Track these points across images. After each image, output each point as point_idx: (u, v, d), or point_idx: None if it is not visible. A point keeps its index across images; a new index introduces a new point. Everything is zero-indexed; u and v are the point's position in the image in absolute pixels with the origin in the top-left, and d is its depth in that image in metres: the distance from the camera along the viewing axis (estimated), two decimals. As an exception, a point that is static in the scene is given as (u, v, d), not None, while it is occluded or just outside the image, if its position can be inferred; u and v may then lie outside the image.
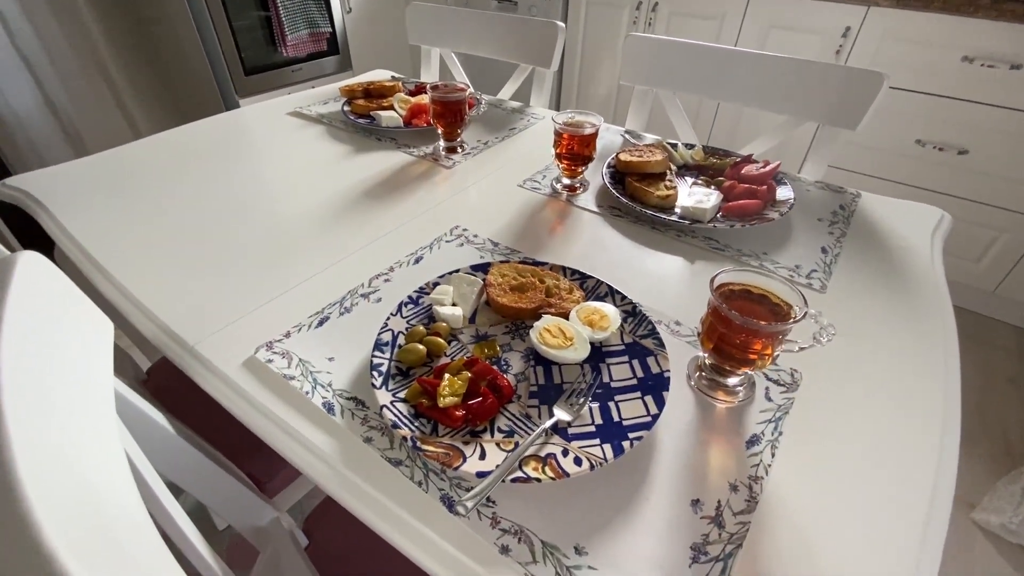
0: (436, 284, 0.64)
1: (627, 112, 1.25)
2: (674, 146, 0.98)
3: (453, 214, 0.84)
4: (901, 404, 0.54)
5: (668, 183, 0.86)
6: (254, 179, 0.94)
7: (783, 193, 0.84)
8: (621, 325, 0.58)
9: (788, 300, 0.50)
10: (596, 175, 0.94)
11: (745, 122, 2.06)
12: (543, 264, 0.67)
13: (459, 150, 1.04)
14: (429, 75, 1.53)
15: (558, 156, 0.88)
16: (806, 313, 0.47)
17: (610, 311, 0.58)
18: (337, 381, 0.55)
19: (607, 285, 0.64)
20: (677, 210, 0.82)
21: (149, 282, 0.69)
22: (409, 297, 0.62)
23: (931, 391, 0.55)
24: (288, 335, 0.60)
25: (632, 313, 0.60)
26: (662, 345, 0.55)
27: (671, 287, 0.69)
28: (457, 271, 0.65)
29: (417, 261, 0.73)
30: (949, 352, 0.61)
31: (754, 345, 0.48)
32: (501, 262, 0.66)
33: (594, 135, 0.85)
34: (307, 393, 0.53)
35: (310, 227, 0.81)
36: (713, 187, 0.86)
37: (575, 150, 0.86)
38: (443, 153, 1.03)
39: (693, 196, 0.82)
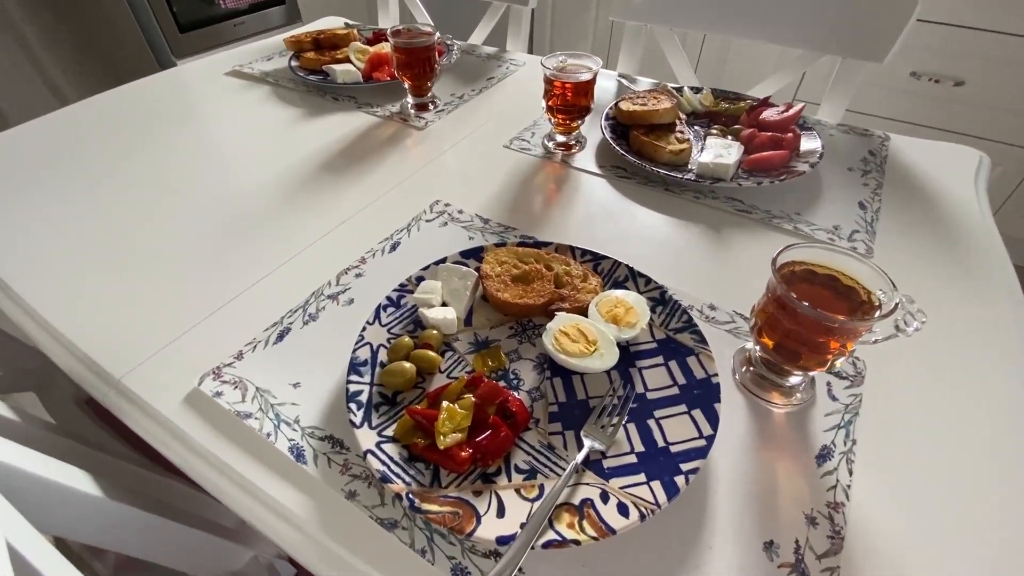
0: (420, 279, 0.52)
1: (616, 55, 1.11)
2: (679, 91, 0.86)
3: (431, 186, 0.71)
4: (980, 382, 0.46)
5: (679, 135, 0.74)
6: (187, 157, 0.79)
7: (809, 142, 0.73)
8: (651, 318, 0.48)
9: (862, 281, 0.40)
10: (594, 129, 0.81)
11: (734, 60, 1.91)
12: (547, 245, 0.55)
13: (431, 107, 0.89)
14: (388, 20, 1.34)
15: (550, 109, 0.75)
16: (899, 303, 0.37)
17: (635, 301, 0.48)
18: (306, 415, 0.43)
19: (626, 267, 0.53)
20: (692, 167, 0.71)
21: (59, 296, 0.55)
22: (388, 298, 0.50)
23: (1007, 363, 0.47)
24: (240, 356, 0.48)
25: (660, 301, 0.50)
26: (703, 341, 0.46)
27: (697, 262, 0.59)
28: (444, 260, 0.53)
29: (393, 248, 0.60)
30: (1019, 314, 0.53)
31: (831, 344, 0.38)
32: (496, 245, 0.55)
33: (591, 81, 0.72)
34: (269, 436, 0.42)
35: (259, 213, 0.67)
36: (730, 137, 0.75)
37: (570, 100, 0.73)
38: (412, 111, 0.89)
39: (710, 150, 0.70)
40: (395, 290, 0.51)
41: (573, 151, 0.78)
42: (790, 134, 0.72)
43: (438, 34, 0.84)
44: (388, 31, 0.82)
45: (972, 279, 0.56)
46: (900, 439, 0.42)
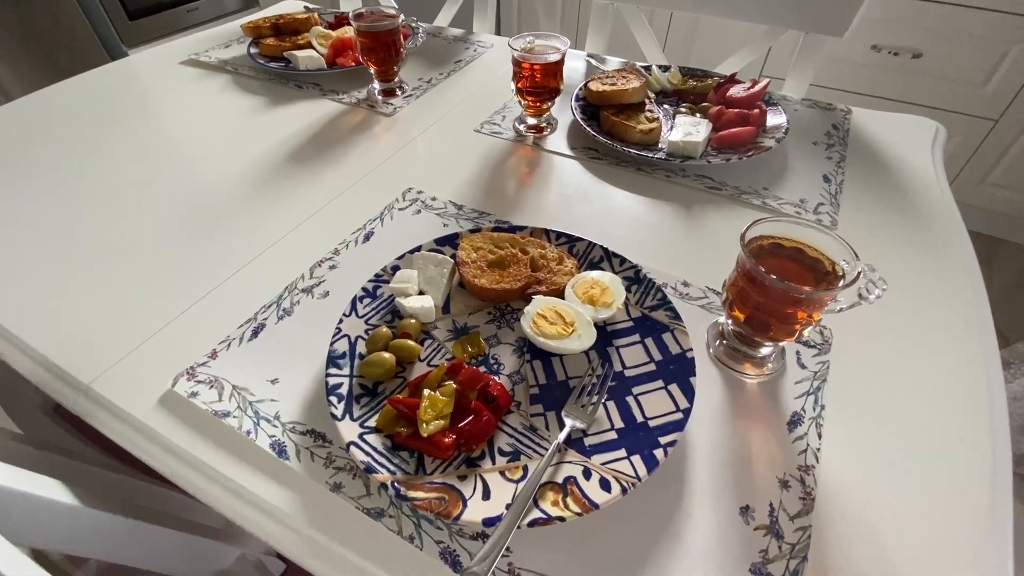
0: (395, 268, 0.51)
1: (585, 34, 1.10)
2: (647, 69, 0.86)
3: (402, 173, 0.70)
4: (939, 346, 0.48)
5: (649, 114, 0.74)
6: (146, 151, 0.76)
7: (775, 117, 0.75)
8: (626, 297, 0.48)
9: (826, 252, 0.42)
10: (564, 111, 0.81)
11: (702, 37, 1.92)
12: (522, 229, 0.55)
13: (398, 92, 0.88)
14: (349, 3, 1.30)
15: (519, 91, 0.74)
16: (861, 272, 0.38)
17: (610, 281, 0.48)
18: (286, 411, 0.43)
19: (601, 248, 0.53)
20: (663, 146, 0.72)
21: (16, 300, 0.53)
22: (364, 289, 0.49)
23: (964, 327, 0.50)
24: (214, 355, 0.47)
25: (635, 279, 0.51)
26: (677, 317, 0.47)
27: (669, 240, 0.60)
28: (419, 248, 0.53)
29: (367, 238, 0.60)
30: (974, 280, 0.55)
31: (799, 314, 0.40)
32: (471, 231, 0.55)
33: (560, 62, 0.71)
34: (249, 433, 0.41)
35: (226, 207, 0.65)
36: (699, 115, 0.76)
37: (539, 81, 0.72)
38: (380, 97, 0.87)
39: (680, 128, 0.71)
40: (371, 280, 0.50)
41: (544, 133, 0.77)
42: (756, 110, 0.73)
43: (402, 16, 0.82)
44: (350, 14, 0.80)
45: (930, 247, 0.59)
46: (866, 402, 0.44)
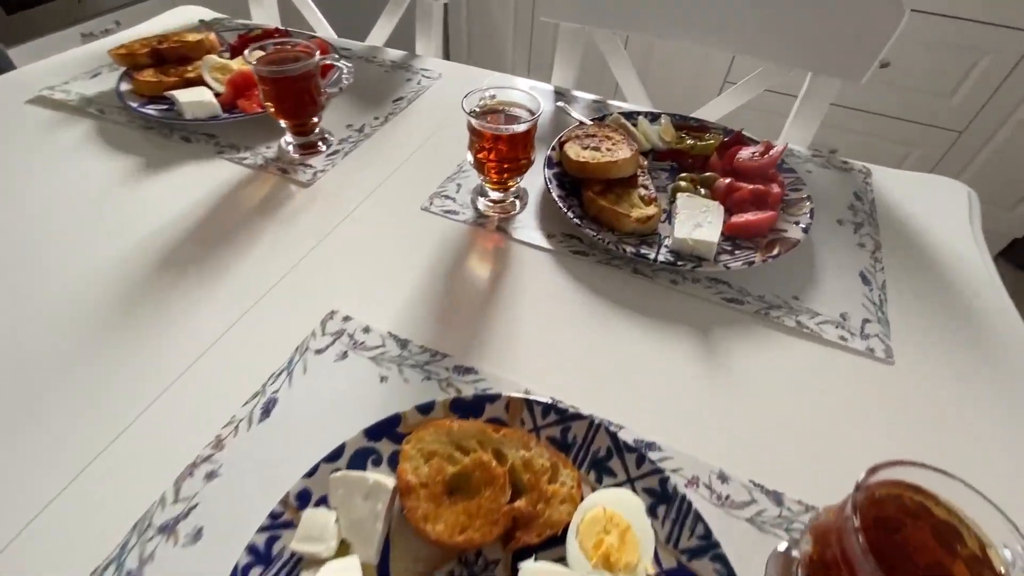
0: (303, 496, 0.34)
1: (549, 63, 0.93)
2: (630, 118, 0.70)
3: (323, 283, 0.52)
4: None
5: (643, 191, 0.59)
6: (-50, 250, 0.53)
7: (793, 190, 0.61)
8: (655, 539, 0.33)
9: (969, 519, 0.27)
10: (535, 175, 0.64)
11: (657, 64, 1.79)
12: (494, 401, 0.39)
13: (320, 146, 0.68)
14: (264, 15, 1.07)
15: (478, 163, 0.57)
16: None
17: (630, 512, 0.33)
18: None
19: (607, 432, 0.37)
20: (664, 238, 0.56)
21: None
22: (252, 550, 0.31)
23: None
24: None
25: (662, 494, 0.35)
26: (730, 574, 0.31)
27: (686, 388, 0.45)
28: (340, 453, 0.36)
29: (266, 412, 0.41)
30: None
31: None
32: (420, 410, 0.37)
33: (531, 131, 0.54)
34: None
35: (56, 363, 0.45)
36: (703, 190, 0.61)
37: (505, 154, 0.55)
38: (295, 155, 0.67)
39: (685, 216, 0.55)
40: (263, 528, 0.32)
41: (512, 213, 0.60)
42: (774, 185, 0.59)
43: (319, 55, 0.62)
44: (245, 53, 0.59)
45: (994, 358, 0.47)
46: None
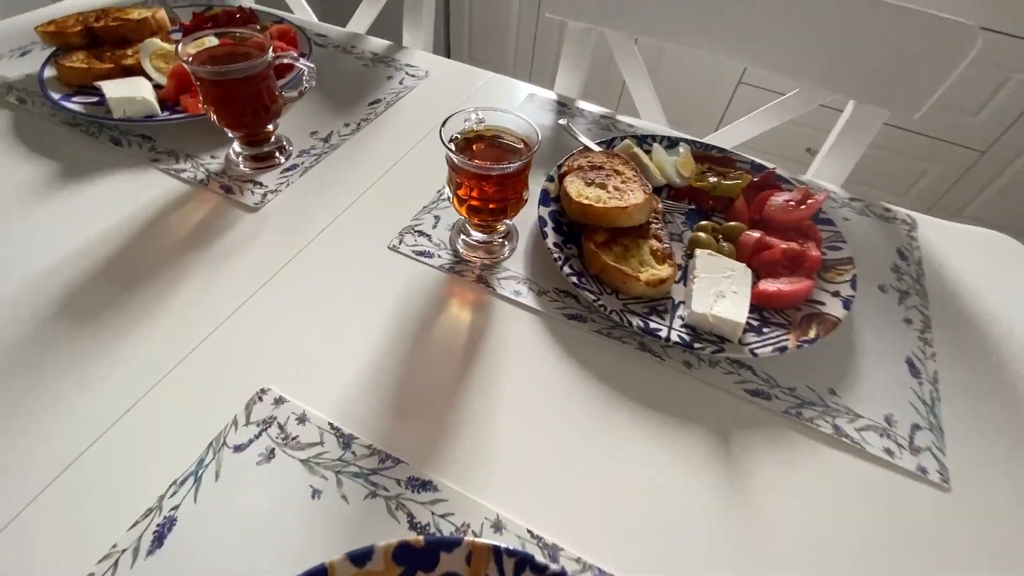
0: None
1: (553, 67, 0.82)
2: (643, 144, 0.60)
3: (253, 351, 0.42)
4: None
5: (656, 242, 0.49)
6: None
7: (832, 247, 0.51)
8: None
9: None
10: (530, 206, 0.53)
11: (668, 65, 1.66)
12: (451, 548, 0.29)
13: (278, 157, 0.58)
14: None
15: (459, 200, 0.47)
16: None
17: None
18: None
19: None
20: (680, 308, 0.46)
21: None
22: None
23: None
24: None
25: None
26: None
27: (702, 515, 0.36)
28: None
29: (159, 541, 0.32)
30: None
31: None
32: (354, 567, 0.28)
33: (525, 168, 0.44)
34: None
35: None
36: (725, 244, 0.51)
37: (491, 194, 0.45)
38: (244, 168, 0.56)
39: (704, 284, 0.45)
40: None
41: (498, 258, 0.50)
42: (811, 245, 0.49)
43: (271, 53, 0.51)
44: (179, 47, 0.48)
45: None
46: None
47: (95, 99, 0.59)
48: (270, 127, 0.56)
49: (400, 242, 0.51)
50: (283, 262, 0.48)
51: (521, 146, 0.45)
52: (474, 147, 0.46)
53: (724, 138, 0.73)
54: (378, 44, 0.80)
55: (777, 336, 0.44)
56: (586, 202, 0.48)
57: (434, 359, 0.42)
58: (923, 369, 0.46)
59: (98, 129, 0.59)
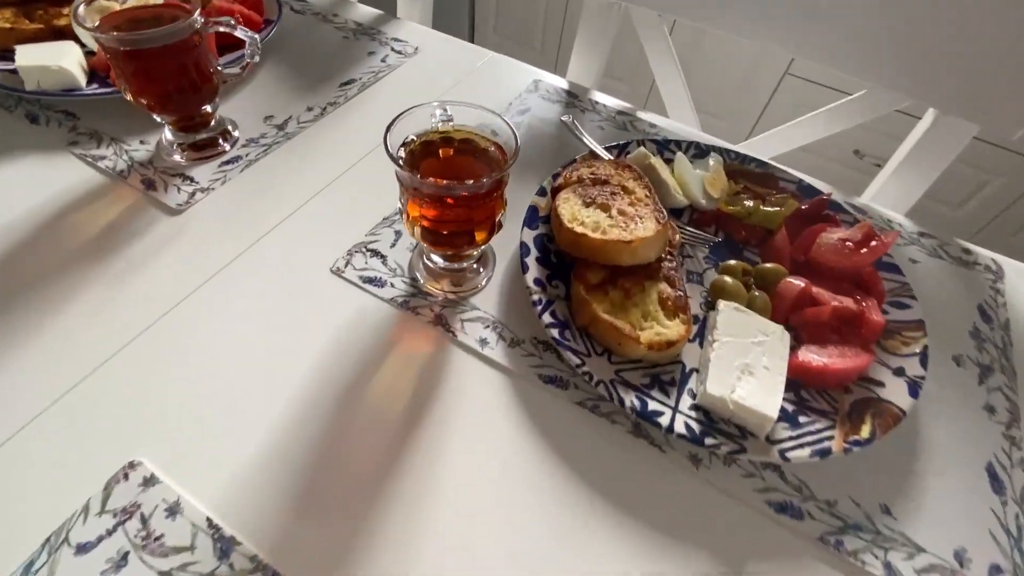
0: None
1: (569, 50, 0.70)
2: (664, 151, 0.48)
3: (129, 409, 0.33)
4: None
5: (669, 287, 0.38)
6: None
7: (897, 302, 0.40)
8: None
9: None
10: (512, 227, 0.43)
11: (705, 54, 1.50)
12: None
13: (222, 143, 0.48)
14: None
15: (413, 223, 0.36)
16: None
17: None
18: None
19: None
20: (690, 380, 0.36)
21: None
22: None
23: None
24: None
25: None
26: None
27: None
28: None
29: None
30: None
31: None
32: None
33: (498, 185, 0.34)
34: None
35: None
36: (756, 291, 0.40)
37: (454, 217, 0.34)
38: (177, 158, 0.47)
39: (726, 345, 0.35)
40: None
41: (466, 289, 0.40)
42: (871, 305, 0.38)
43: (199, 15, 0.40)
44: (80, 10, 0.38)
45: None
46: None
47: (13, 66, 0.50)
48: (207, 108, 0.46)
49: (346, 264, 0.41)
50: (194, 285, 0.38)
51: (495, 151, 0.34)
52: (440, 153, 0.36)
53: (766, 145, 0.61)
54: (366, 13, 0.68)
55: (818, 431, 0.33)
56: (580, 230, 0.37)
57: (363, 431, 0.33)
58: (1008, 482, 0.35)
59: (15, 102, 0.50)
